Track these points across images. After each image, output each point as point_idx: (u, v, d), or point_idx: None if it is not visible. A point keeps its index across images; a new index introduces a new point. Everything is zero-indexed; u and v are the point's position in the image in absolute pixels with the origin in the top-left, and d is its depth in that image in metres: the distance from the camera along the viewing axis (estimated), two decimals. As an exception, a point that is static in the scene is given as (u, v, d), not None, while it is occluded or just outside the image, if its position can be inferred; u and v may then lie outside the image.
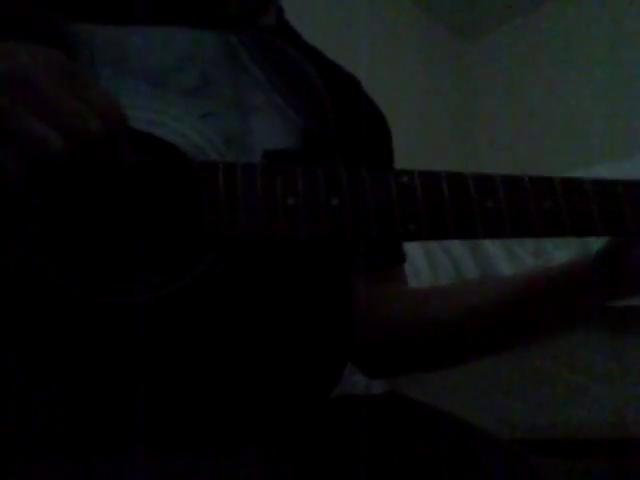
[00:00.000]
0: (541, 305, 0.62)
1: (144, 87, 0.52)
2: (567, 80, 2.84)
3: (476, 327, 0.64)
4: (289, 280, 0.53)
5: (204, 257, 0.47)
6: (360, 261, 0.68)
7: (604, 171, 1.37)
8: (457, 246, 1.58)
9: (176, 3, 0.63)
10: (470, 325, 0.64)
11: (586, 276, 0.60)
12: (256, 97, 0.56)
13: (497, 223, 0.51)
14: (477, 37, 3.21)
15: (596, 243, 0.62)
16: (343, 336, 0.60)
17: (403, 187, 0.51)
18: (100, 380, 0.46)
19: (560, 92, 2.84)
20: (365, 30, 2.45)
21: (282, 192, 0.49)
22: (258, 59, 0.59)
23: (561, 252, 1.40)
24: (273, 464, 0.50)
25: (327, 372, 0.58)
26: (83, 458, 0.44)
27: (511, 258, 1.51)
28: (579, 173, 0.94)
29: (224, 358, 0.49)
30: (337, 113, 0.62)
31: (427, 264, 1.61)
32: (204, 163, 0.49)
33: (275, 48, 0.62)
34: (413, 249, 1.61)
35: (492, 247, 1.51)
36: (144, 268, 0.47)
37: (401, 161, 0.72)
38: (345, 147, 0.63)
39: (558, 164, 2.32)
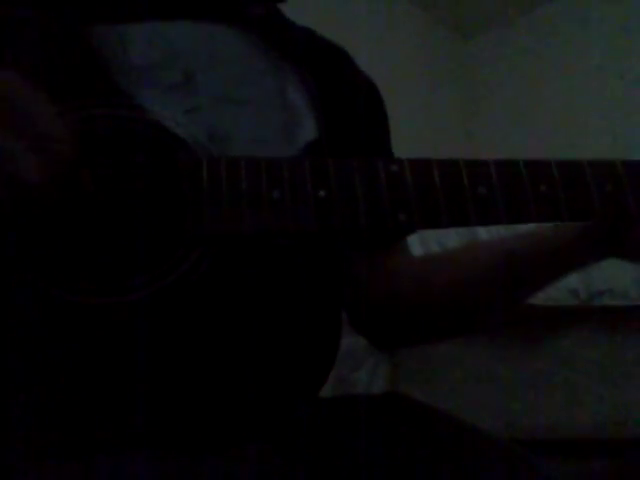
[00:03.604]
0: (546, 261, 0.60)
1: (127, 84, 0.52)
2: (567, 79, 2.84)
3: (477, 288, 0.63)
4: (276, 274, 0.53)
5: (189, 254, 0.47)
6: (360, 240, 0.67)
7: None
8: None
9: None
10: (471, 286, 0.63)
11: (582, 238, 0.57)
12: (243, 90, 0.55)
13: (491, 210, 0.49)
14: (477, 36, 3.21)
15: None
16: (331, 330, 0.60)
17: (392, 176, 0.49)
18: (96, 381, 0.45)
19: (560, 91, 2.84)
20: (365, 29, 2.45)
21: (267, 185, 0.47)
22: (246, 51, 0.59)
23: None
24: (273, 464, 0.50)
25: (316, 366, 0.58)
26: (82, 459, 0.44)
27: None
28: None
29: (214, 355, 0.49)
30: (329, 97, 0.62)
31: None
32: (187, 159, 0.48)
33: (263, 39, 0.62)
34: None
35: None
36: (129, 267, 0.46)
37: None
38: (336, 131, 0.62)
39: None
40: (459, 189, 0.49)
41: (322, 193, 0.48)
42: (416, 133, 2.57)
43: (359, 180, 0.49)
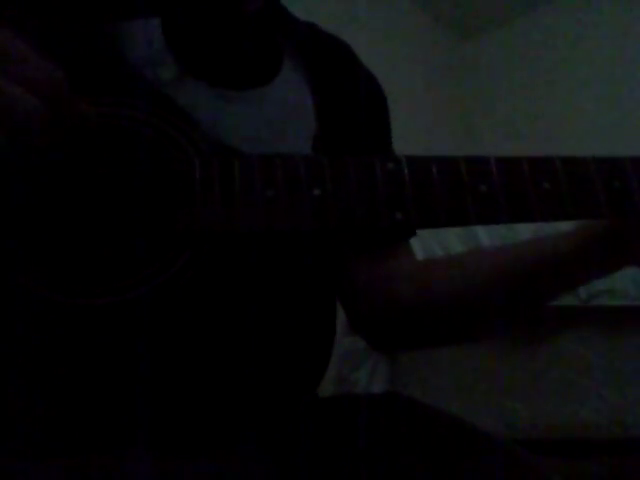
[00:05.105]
0: (553, 272, 0.58)
1: (116, 82, 0.51)
2: (567, 79, 2.84)
3: (479, 296, 0.61)
4: (269, 273, 0.52)
5: (181, 253, 0.46)
6: (359, 241, 0.66)
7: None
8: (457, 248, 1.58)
9: None
10: (473, 294, 0.62)
11: (587, 247, 0.55)
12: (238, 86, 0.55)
13: (492, 208, 0.48)
14: (477, 37, 3.21)
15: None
16: (326, 325, 0.60)
17: (389, 174, 0.48)
18: (93, 381, 0.45)
19: (560, 92, 2.85)
20: (365, 29, 2.45)
21: (261, 184, 0.46)
22: (241, 48, 0.58)
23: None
24: (272, 463, 0.50)
25: (312, 360, 0.58)
26: (82, 459, 0.44)
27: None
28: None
29: (211, 351, 0.49)
30: (329, 92, 0.62)
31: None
32: (180, 158, 0.47)
33: (259, 36, 0.61)
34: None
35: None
36: (123, 268, 0.46)
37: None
38: (336, 126, 0.61)
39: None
40: (459, 187, 0.48)
41: (317, 192, 0.47)
42: (415, 133, 2.57)
43: (355, 178, 0.47)
